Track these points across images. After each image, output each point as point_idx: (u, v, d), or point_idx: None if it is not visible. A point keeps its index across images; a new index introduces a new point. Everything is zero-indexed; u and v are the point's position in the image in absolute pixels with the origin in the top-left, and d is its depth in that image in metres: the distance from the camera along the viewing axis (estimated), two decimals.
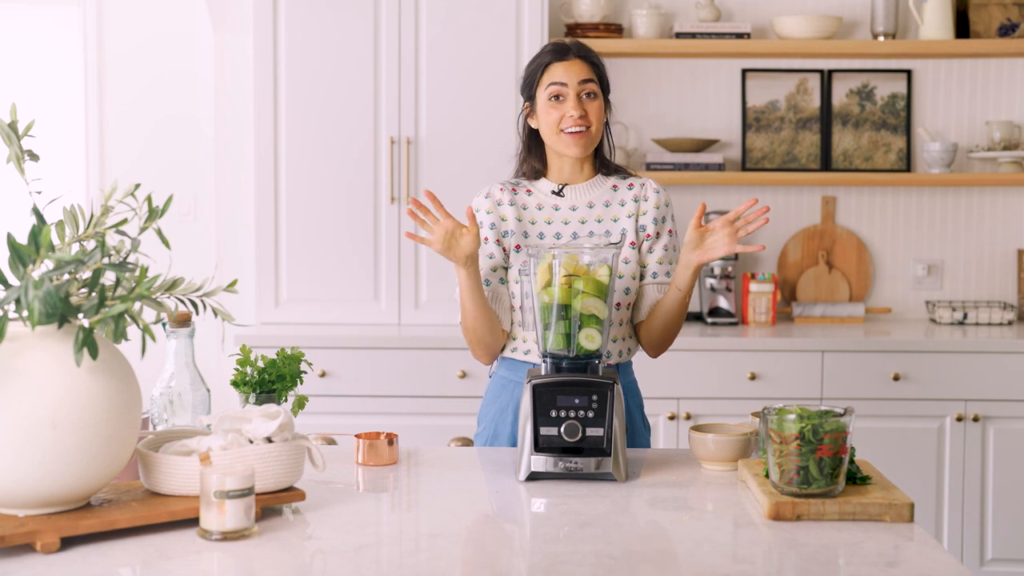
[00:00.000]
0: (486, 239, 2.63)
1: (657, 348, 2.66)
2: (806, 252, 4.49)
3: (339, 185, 4.11)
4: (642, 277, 2.63)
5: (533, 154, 2.67)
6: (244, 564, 1.73)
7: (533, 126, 2.65)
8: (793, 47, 4.28)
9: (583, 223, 2.62)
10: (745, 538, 1.91)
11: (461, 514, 2.01)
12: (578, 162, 2.63)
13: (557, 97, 2.57)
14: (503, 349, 2.66)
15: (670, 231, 2.66)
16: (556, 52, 2.59)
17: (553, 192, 2.64)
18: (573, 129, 2.56)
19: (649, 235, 2.62)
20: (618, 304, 2.60)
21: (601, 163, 2.66)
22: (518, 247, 2.61)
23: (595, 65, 2.60)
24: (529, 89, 2.63)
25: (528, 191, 2.66)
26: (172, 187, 4.36)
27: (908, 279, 4.50)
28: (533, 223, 2.62)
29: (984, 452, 3.92)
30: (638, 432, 2.68)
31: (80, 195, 4.46)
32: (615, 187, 2.65)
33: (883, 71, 4.45)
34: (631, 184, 2.65)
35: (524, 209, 2.64)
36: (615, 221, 2.62)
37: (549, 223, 2.62)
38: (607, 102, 2.64)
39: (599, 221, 2.62)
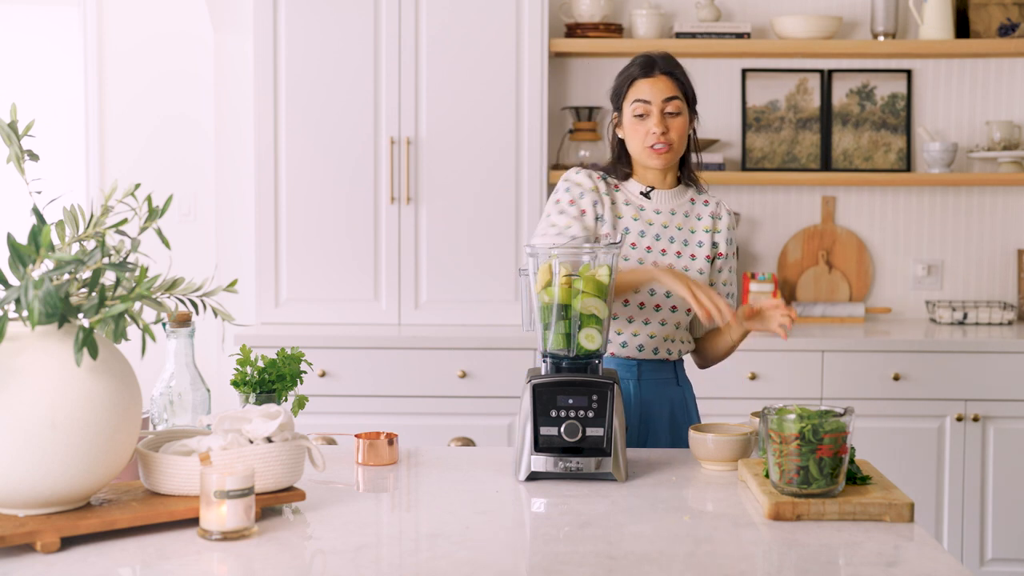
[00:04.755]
0: (583, 211, 2.68)
1: (706, 365, 2.85)
2: (806, 252, 4.49)
3: (339, 185, 4.11)
4: None
5: (622, 160, 2.76)
6: (244, 564, 1.73)
7: (620, 136, 2.74)
8: (793, 47, 4.28)
9: (665, 227, 2.71)
10: (745, 538, 1.91)
11: (461, 514, 2.01)
12: (661, 172, 2.72)
13: (642, 115, 2.65)
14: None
15: (734, 253, 2.79)
16: (643, 68, 2.67)
17: (641, 193, 2.73)
18: (657, 146, 2.65)
19: (721, 254, 2.75)
20: (688, 310, 2.70)
21: (686, 174, 2.76)
22: (607, 235, 2.68)
23: (680, 80, 2.68)
24: (617, 101, 2.72)
25: (616, 187, 2.75)
26: (172, 187, 4.36)
27: (908, 279, 4.50)
28: (620, 218, 2.70)
29: (984, 452, 3.92)
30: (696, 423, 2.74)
31: (80, 195, 4.45)
32: (692, 200, 2.76)
33: (883, 71, 4.45)
34: (707, 200, 2.77)
35: (613, 204, 2.72)
36: (693, 232, 2.74)
37: (635, 220, 2.71)
38: (693, 112, 2.72)
39: (679, 229, 2.73)
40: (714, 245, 2.74)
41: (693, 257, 2.71)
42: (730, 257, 2.77)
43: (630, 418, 2.65)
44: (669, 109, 2.65)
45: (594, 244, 2.58)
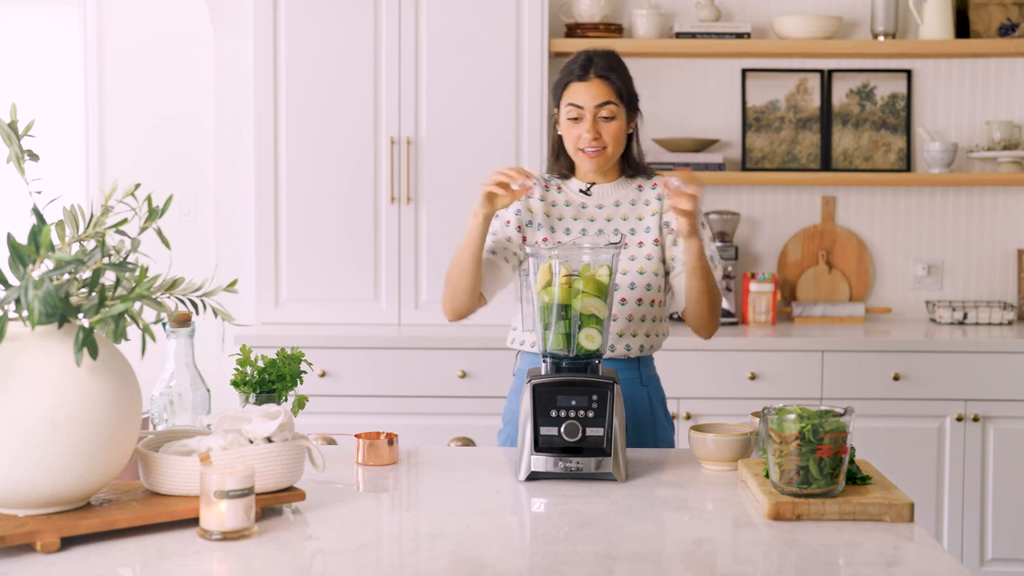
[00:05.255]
0: (507, 222, 2.72)
1: (703, 328, 2.70)
2: (806, 252, 4.49)
3: (339, 185, 4.11)
4: (672, 270, 2.70)
5: (562, 157, 2.76)
6: (244, 564, 1.73)
7: (560, 132, 2.73)
8: (793, 47, 4.28)
9: (609, 220, 2.70)
10: (745, 538, 1.91)
11: (461, 514, 2.01)
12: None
13: (575, 118, 2.65)
14: (523, 344, 2.74)
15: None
16: (581, 69, 2.66)
17: (581, 191, 2.73)
18: (588, 150, 2.65)
19: (673, 229, 2.69)
20: (640, 300, 2.67)
21: (629, 165, 2.74)
22: (545, 240, 2.69)
23: (615, 84, 2.65)
24: (555, 99, 2.72)
25: (559, 188, 2.76)
26: (172, 187, 4.36)
27: (908, 279, 4.50)
28: (560, 219, 2.71)
29: (984, 452, 3.92)
30: (660, 426, 2.72)
31: (80, 195, 4.45)
32: (640, 187, 2.74)
33: (883, 71, 4.45)
34: (655, 184, 2.74)
35: (553, 206, 2.72)
36: (640, 220, 2.71)
37: (576, 219, 2.70)
38: (636, 111, 2.71)
39: (624, 219, 2.70)
40: (666, 225, 2.69)
41: (641, 244, 2.68)
42: None
43: None
44: (603, 114, 2.64)
45: (595, 244, 2.58)
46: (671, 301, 2.75)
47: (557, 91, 2.70)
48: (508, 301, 4.09)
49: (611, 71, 2.66)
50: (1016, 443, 3.92)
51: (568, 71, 2.68)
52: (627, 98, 2.68)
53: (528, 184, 2.51)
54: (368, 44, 4.08)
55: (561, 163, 2.76)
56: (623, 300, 2.64)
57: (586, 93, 2.64)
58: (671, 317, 4.35)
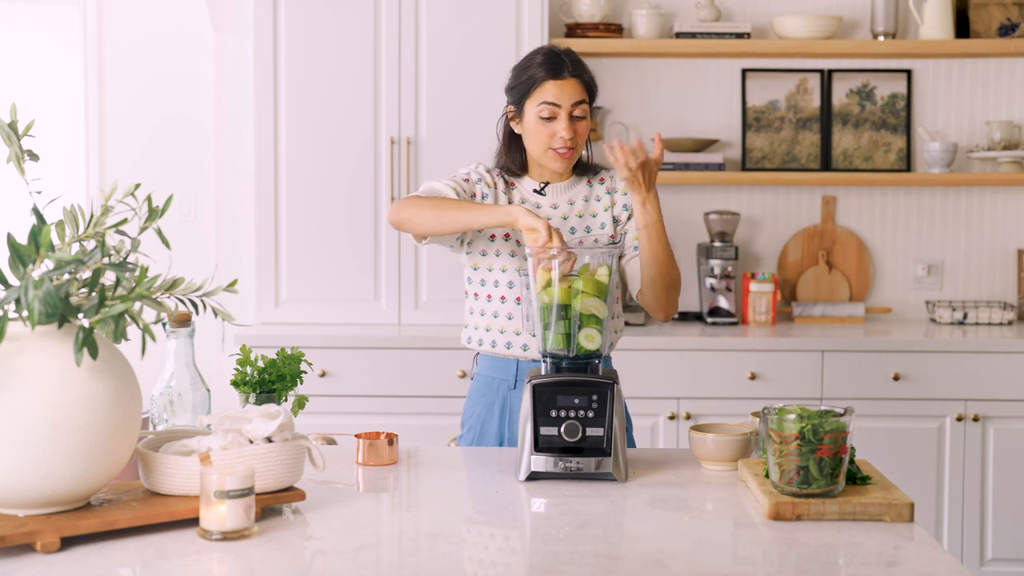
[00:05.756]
0: (467, 179, 2.66)
1: (659, 306, 2.64)
2: (806, 252, 4.49)
3: (339, 185, 4.11)
4: (625, 255, 2.69)
5: (513, 155, 2.71)
6: (244, 564, 1.74)
7: (516, 131, 2.68)
8: (793, 47, 4.28)
9: (565, 219, 2.68)
10: (745, 538, 1.91)
11: (461, 514, 2.01)
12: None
13: (549, 117, 2.59)
14: (482, 344, 2.70)
15: None
16: (552, 69, 2.59)
17: (535, 190, 2.70)
18: (562, 150, 2.61)
19: (622, 219, 2.69)
20: None
21: (580, 163, 2.72)
22: (507, 236, 2.65)
23: (586, 82, 2.63)
24: (518, 98, 2.64)
25: (512, 185, 2.72)
26: (172, 187, 4.36)
27: (908, 279, 4.50)
28: None
29: (984, 452, 3.92)
30: None
31: (80, 195, 4.46)
32: (589, 182, 2.72)
33: (883, 71, 4.45)
34: (602, 178, 2.73)
35: (509, 203, 2.68)
36: (594, 216, 2.69)
37: None
38: (592, 110, 2.69)
39: (580, 216, 2.68)
40: (615, 220, 2.68)
41: (596, 241, 2.66)
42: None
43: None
44: (576, 113, 2.60)
45: (594, 244, 2.58)
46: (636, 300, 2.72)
47: (524, 89, 2.61)
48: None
49: (582, 70, 2.63)
50: (1016, 443, 3.92)
51: (535, 71, 2.61)
52: (594, 96, 2.66)
53: (554, 258, 2.38)
54: (368, 44, 4.08)
55: (513, 159, 2.70)
56: None
57: (562, 92, 2.58)
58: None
